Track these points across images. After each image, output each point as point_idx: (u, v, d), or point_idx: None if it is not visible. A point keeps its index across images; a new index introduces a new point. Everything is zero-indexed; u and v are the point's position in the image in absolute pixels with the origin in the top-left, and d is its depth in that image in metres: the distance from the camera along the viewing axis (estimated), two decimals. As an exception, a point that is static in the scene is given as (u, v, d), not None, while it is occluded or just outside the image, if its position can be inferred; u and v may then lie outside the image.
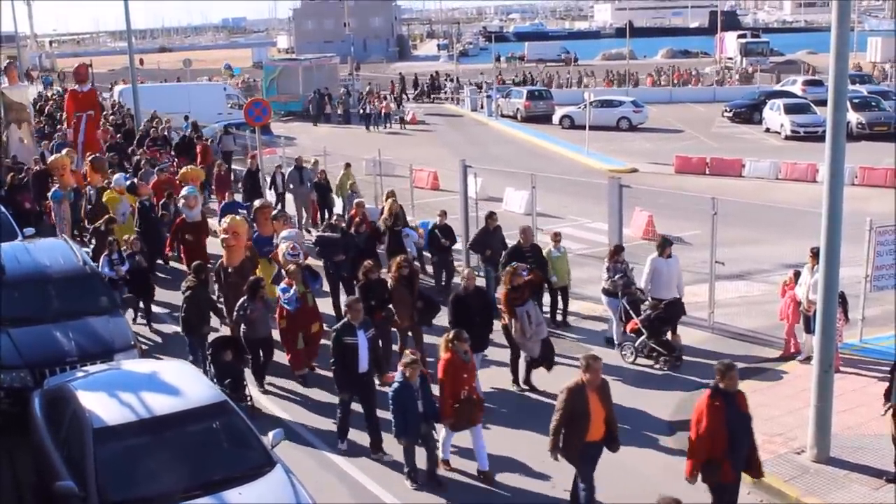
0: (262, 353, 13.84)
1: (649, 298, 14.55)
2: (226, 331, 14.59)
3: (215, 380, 11.94)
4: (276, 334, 14.43)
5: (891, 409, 10.36)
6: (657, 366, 14.29)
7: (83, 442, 8.93)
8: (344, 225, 18.06)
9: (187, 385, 9.97)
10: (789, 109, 41.38)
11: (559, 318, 16.40)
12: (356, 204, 19.13)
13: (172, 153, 30.20)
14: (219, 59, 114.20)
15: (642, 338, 14.39)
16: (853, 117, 37.42)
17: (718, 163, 32.83)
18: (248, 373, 13.53)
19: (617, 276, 14.85)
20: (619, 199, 16.88)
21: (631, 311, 14.56)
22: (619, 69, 72.35)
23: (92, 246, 18.57)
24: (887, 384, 10.63)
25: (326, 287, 16.65)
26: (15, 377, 12.12)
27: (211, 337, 13.79)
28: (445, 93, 66.87)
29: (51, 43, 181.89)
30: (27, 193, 23.74)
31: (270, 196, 24.66)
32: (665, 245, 14.73)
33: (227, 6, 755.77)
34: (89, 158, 24.54)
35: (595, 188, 20.11)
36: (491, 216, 17.43)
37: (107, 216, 19.17)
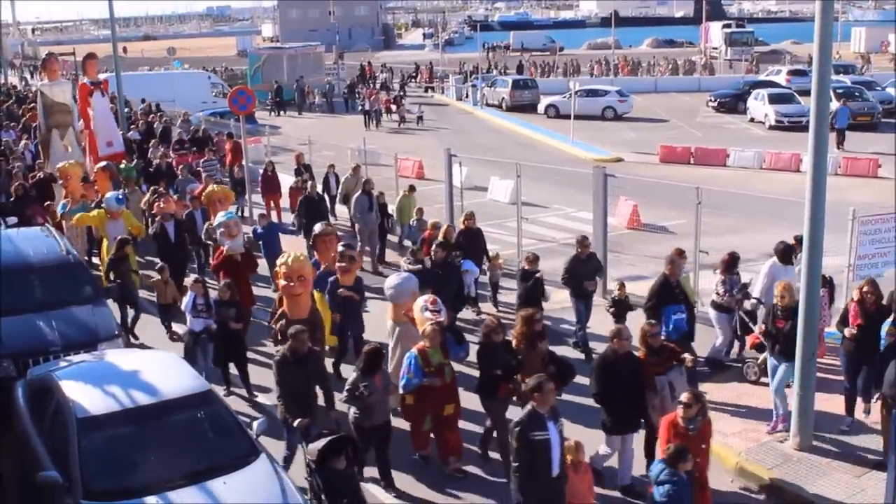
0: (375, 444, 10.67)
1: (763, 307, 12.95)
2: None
3: (323, 498, 8.99)
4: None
5: (880, 399, 10.46)
6: None
7: (67, 432, 8.89)
8: (428, 257, 14.76)
9: (172, 375, 9.93)
10: (773, 99, 41.51)
11: None
12: (431, 225, 17.03)
13: (214, 156, 26.22)
14: (203, 47, 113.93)
15: (766, 353, 12.47)
16: (837, 107, 37.56)
17: (703, 152, 32.92)
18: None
19: (736, 290, 13.33)
20: (604, 189, 16.90)
21: (750, 324, 13.19)
22: (563, 60, 73.50)
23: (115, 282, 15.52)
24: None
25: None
26: (-3, 367, 12.03)
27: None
28: (378, 87, 60.76)
29: (33, 31, 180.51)
30: (37, 206, 20.18)
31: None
32: (788, 252, 13.33)
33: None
34: (100, 165, 21.50)
35: (580, 177, 20.10)
36: (583, 242, 14.51)
37: (120, 239, 16.15)
